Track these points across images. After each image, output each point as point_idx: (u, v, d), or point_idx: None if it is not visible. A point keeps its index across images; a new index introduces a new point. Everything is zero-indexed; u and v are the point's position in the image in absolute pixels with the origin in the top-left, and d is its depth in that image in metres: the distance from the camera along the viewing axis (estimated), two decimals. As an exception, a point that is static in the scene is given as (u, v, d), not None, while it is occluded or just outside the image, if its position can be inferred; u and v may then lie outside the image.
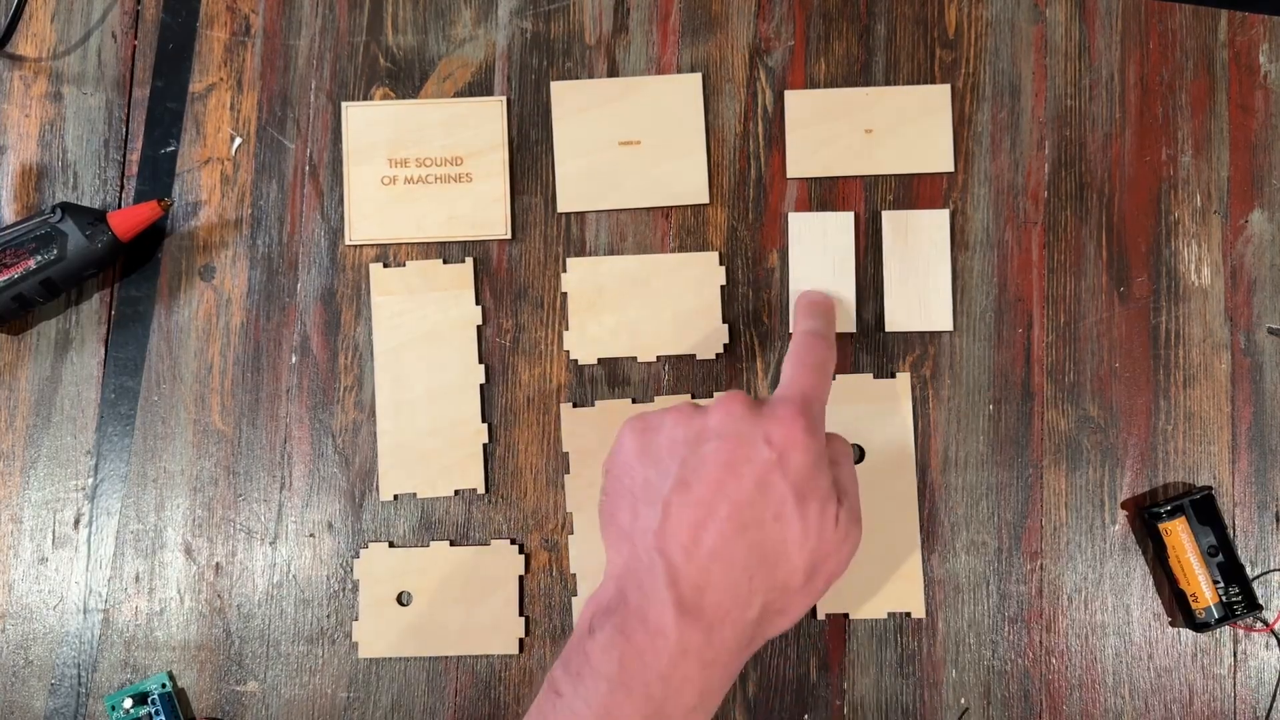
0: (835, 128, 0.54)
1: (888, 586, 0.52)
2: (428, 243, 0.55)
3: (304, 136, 0.56)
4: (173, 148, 0.56)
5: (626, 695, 0.39)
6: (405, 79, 0.56)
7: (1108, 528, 0.53)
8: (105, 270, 0.55)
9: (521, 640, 0.53)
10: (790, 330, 0.53)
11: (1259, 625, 0.51)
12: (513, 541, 0.53)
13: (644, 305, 0.54)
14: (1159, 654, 0.52)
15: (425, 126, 0.55)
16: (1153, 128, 0.55)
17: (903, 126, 0.54)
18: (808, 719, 0.52)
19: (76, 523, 0.54)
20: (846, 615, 0.52)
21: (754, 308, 0.54)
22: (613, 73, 0.55)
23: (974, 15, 0.55)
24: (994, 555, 0.53)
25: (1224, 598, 0.49)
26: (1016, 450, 0.53)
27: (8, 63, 0.57)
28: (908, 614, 0.52)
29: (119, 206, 0.56)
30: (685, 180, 0.54)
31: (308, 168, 0.56)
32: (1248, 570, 0.51)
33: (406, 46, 0.56)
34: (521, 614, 0.53)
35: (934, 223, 0.54)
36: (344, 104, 0.55)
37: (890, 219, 0.54)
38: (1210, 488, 0.50)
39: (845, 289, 0.53)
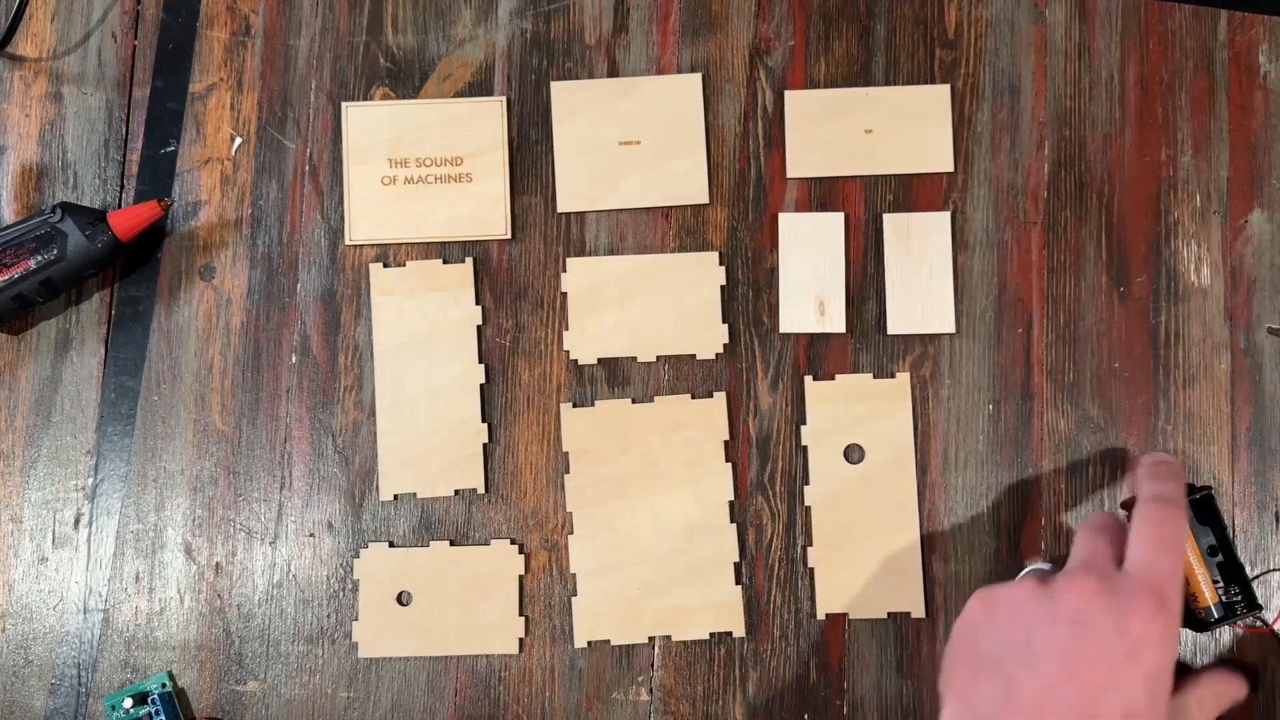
0: (835, 128, 0.55)
1: (888, 586, 0.52)
2: (428, 243, 0.55)
3: (304, 136, 0.56)
4: (173, 148, 0.56)
5: None
6: (405, 79, 0.56)
7: (1107, 528, 0.53)
8: (105, 270, 0.55)
9: (521, 640, 0.53)
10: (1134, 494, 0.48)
11: (1259, 625, 0.51)
12: (513, 541, 0.53)
13: (644, 305, 0.54)
14: (1159, 654, 0.52)
15: (425, 126, 0.55)
16: (1152, 128, 0.55)
17: (903, 126, 0.54)
18: (807, 719, 0.52)
19: (76, 522, 0.54)
20: (846, 615, 0.52)
21: (754, 308, 0.54)
22: (613, 73, 0.55)
23: (974, 15, 0.55)
24: (994, 555, 0.53)
25: (1223, 597, 0.49)
26: (1016, 450, 0.53)
27: (8, 63, 0.57)
28: (908, 614, 0.52)
29: (119, 206, 0.56)
30: (685, 180, 0.54)
31: (308, 168, 0.56)
32: (1247, 570, 0.51)
33: (406, 46, 0.56)
34: (521, 614, 0.53)
35: (935, 225, 0.54)
36: (344, 104, 0.55)
37: (891, 221, 0.54)
38: (1210, 487, 0.50)
39: (835, 290, 0.53)
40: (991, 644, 0.41)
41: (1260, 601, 0.50)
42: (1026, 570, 0.48)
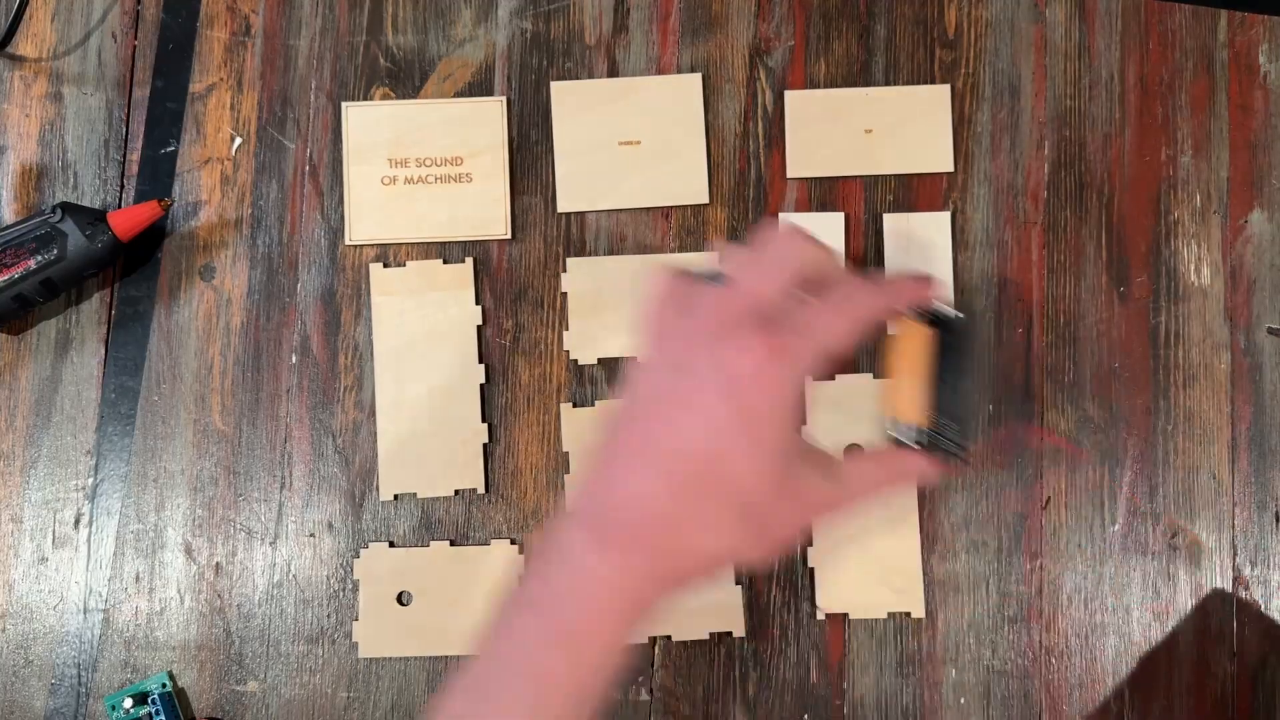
0: (835, 128, 0.55)
1: (888, 587, 0.52)
2: (428, 243, 0.55)
3: (304, 136, 0.56)
4: (173, 148, 0.56)
5: (525, 615, 0.38)
6: (405, 79, 0.56)
7: (1107, 528, 0.53)
8: (105, 270, 0.55)
9: (521, 640, 0.53)
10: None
11: (955, 457, 0.42)
12: (513, 541, 0.53)
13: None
14: (1159, 654, 0.52)
15: (425, 126, 0.55)
16: (1152, 128, 0.55)
17: (903, 127, 0.54)
18: (807, 719, 0.52)
19: (77, 522, 0.54)
20: (846, 615, 0.52)
21: (974, 408, 0.54)
22: (613, 73, 0.55)
23: (974, 15, 0.55)
24: (994, 555, 0.53)
25: (930, 426, 0.41)
26: (1017, 450, 0.53)
27: (8, 63, 0.57)
28: (908, 614, 0.52)
29: (119, 206, 0.56)
30: (685, 180, 0.54)
31: (308, 168, 0.56)
32: (973, 413, 0.47)
33: (406, 46, 0.56)
34: (521, 614, 0.53)
35: (935, 225, 0.54)
36: (344, 104, 0.55)
37: (891, 221, 0.54)
38: (966, 318, 0.42)
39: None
40: (621, 403, 0.39)
41: (966, 445, 0.42)
42: (702, 273, 0.41)
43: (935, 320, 0.42)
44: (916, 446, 0.41)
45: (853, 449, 0.53)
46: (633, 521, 0.37)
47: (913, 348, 0.42)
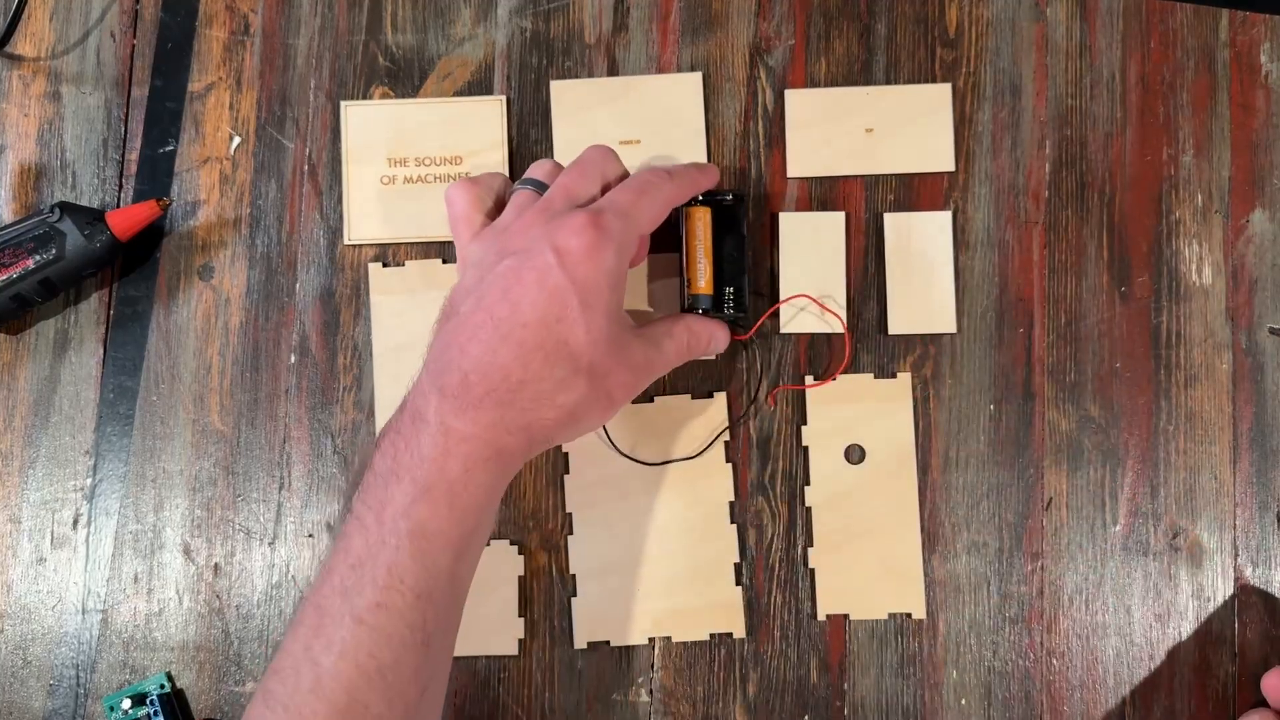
0: (836, 127, 0.54)
1: (888, 587, 0.52)
2: (427, 242, 0.55)
3: (303, 136, 0.56)
4: (171, 147, 0.56)
5: (396, 482, 0.41)
6: (404, 78, 0.56)
7: (1109, 528, 0.52)
8: (104, 270, 0.55)
9: (521, 641, 0.53)
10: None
11: (738, 329, 0.52)
12: (512, 542, 0.53)
13: (646, 306, 0.54)
14: (1160, 655, 0.52)
15: (425, 126, 0.55)
16: (1154, 127, 0.54)
17: (903, 126, 0.54)
18: (807, 719, 0.52)
19: (75, 523, 0.54)
20: (847, 616, 0.52)
21: (753, 288, 0.54)
22: (613, 72, 0.55)
23: (975, 14, 0.55)
24: (995, 556, 0.52)
25: (718, 293, 0.50)
26: (1017, 450, 0.53)
27: (7, 62, 0.56)
28: (908, 614, 0.52)
29: (118, 206, 0.55)
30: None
31: (307, 167, 0.55)
32: (747, 284, 0.51)
33: (406, 45, 0.56)
34: (521, 614, 0.53)
35: (936, 225, 0.54)
36: (343, 103, 0.55)
37: (892, 221, 0.54)
38: (741, 193, 0.51)
39: (836, 289, 0.53)
40: (456, 292, 0.45)
41: (747, 306, 0.51)
42: (517, 186, 0.49)
43: (713, 203, 0.50)
44: (702, 312, 0.50)
45: (851, 449, 0.53)
46: (485, 384, 0.42)
47: (698, 229, 0.50)
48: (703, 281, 0.50)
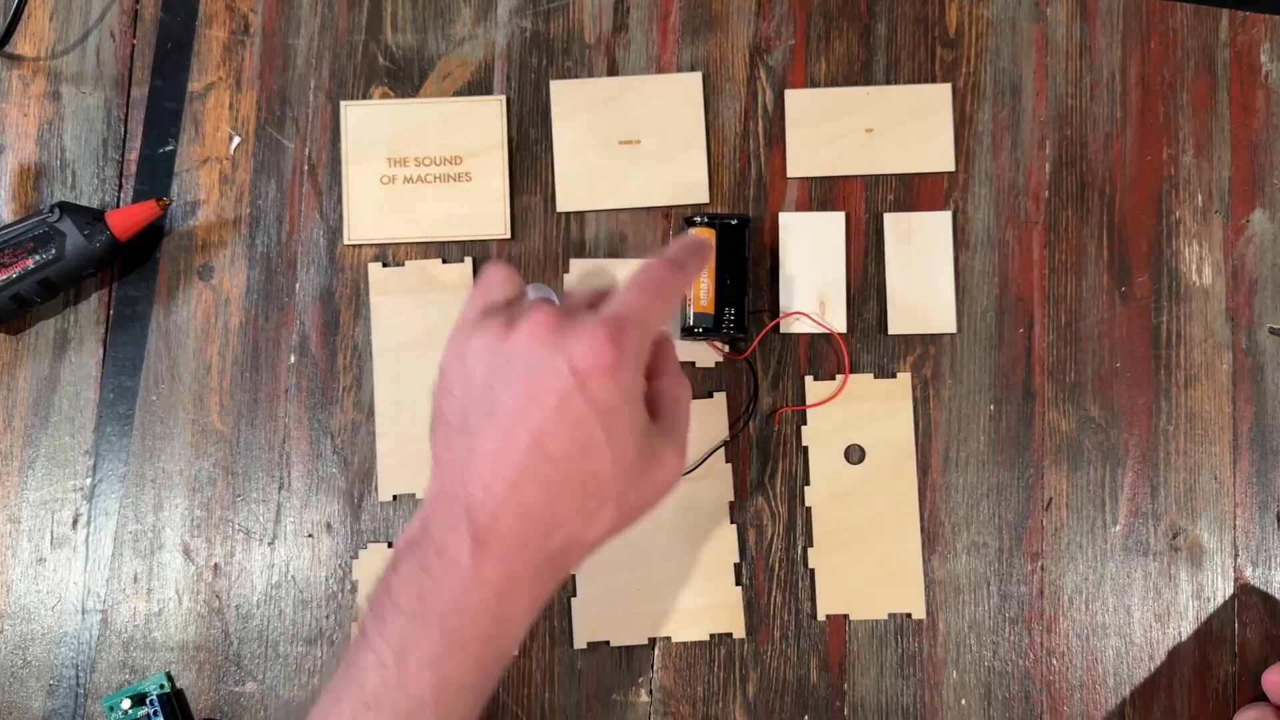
0: (836, 127, 0.54)
1: (888, 587, 0.52)
2: (427, 242, 0.55)
3: (303, 136, 0.55)
4: (171, 147, 0.56)
5: (423, 627, 0.39)
6: (404, 78, 0.56)
7: (1109, 528, 0.52)
8: (104, 270, 0.55)
9: (521, 641, 0.52)
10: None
11: (732, 350, 0.53)
12: (512, 542, 0.53)
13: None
14: (1160, 655, 0.52)
15: (424, 126, 0.55)
16: (1154, 127, 0.54)
17: (903, 126, 0.54)
18: (807, 719, 0.52)
19: (75, 523, 0.54)
20: (847, 616, 0.52)
21: (752, 307, 0.54)
22: (612, 72, 0.55)
23: (975, 14, 0.55)
24: (995, 556, 0.52)
25: (718, 313, 0.51)
26: (1017, 450, 0.53)
27: (6, 62, 0.56)
28: (908, 615, 0.52)
29: (117, 206, 0.55)
30: (685, 180, 0.54)
31: (306, 167, 0.55)
32: (747, 306, 0.52)
33: (406, 45, 0.56)
34: (521, 615, 0.53)
35: (936, 225, 0.54)
36: (343, 103, 0.55)
37: (892, 221, 0.54)
38: (747, 218, 0.52)
39: (836, 289, 0.53)
40: (462, 399, 0.41)
41: (747, 327, 0.52)
42: (529, 289, 0.47)
43: (719, 225, 0.52)
44: (701, 331, 0.52)
45: (851, 449, 0.53)
46: (513, 526, 0.39)
47: None
48: (705, 300, 0.51)
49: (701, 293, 0.52)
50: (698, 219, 0.53)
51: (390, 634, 0.39)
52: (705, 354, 0.54)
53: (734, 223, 0.52)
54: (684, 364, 0.54)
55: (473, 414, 0.40)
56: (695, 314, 0.52)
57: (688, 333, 0.52)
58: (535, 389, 0.39)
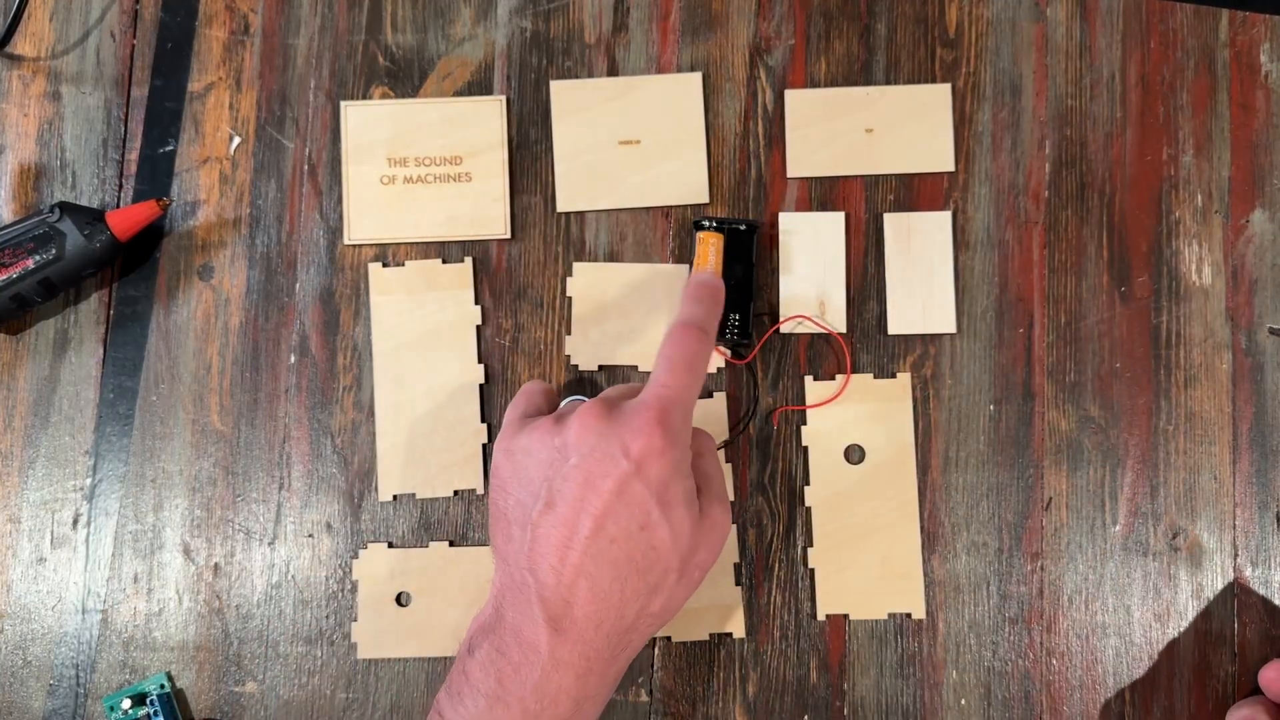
0: (836, 127, 0.54)
1: (888, 587, 0.52)
2: (427, 242, 0.55)
3: (303, 136, 0.55)
4: (171, 147, 0.56)
5: (504, 710, 0.41)
6: (404, 78, 0.56)
7: (1109, 528, 0.52)
8: (104, 270, 0.55)
9: (521, 641, 0.52)
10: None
11: (735, 355, 0.53)
12: (512, 542, 0.53)
13: (649, 314, 0.54)
14: (1160, 655, 0.52)
15: (424, 126, 0.55)
16: (1154, 127, 0.54)
17: (903, 126, 0.54)
18: (807, 719, 0.52)
19: (75, 523, 0.54)
20: (847, 616, 0.52)
21: (755, 311, 0.54)
22: (612, 72, 0.55)
23: (975, 14, 0.55)
24: (994, 556, 0.52)
25: (724, 318, 0.50)
26: (1017, 450, 0.53)
27: (6, 62, 0.56)
28: (908, 615, 0.52)
29: (117, 206, 0.55)
30: (685, 180, 0.54)
31: (306, 167, 0.55)
32: (752, 311, 0.52)
33: (406, 45, 0.56)
34: (521, 614, 0.53)
35: (936, 225, 0.54)
36: (343, 103, 0.55)
37: (892, 221, 0.54)
38: (756, 223, 0.52)
39: (836, 289, 0.53)
40: (518, 494, 0.43)
41: (752, 334, 0.52)
42: (565, 401, 0.49)
43: (726, 230, 0.52)
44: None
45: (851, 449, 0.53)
46: (585, 610, 0.41)
47: (709, 253, 0.51)
48: None
49: None
50: (706, 223, 0.52)
51: (470, 715, 0.41)
52: (705, 354, 0.54)
53: (742, 228, 0.52)
54: (684, 364, 0.54)
55: (532, 507, 0.42)
56: None
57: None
58: (592, 476, 0.41)
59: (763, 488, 0.53)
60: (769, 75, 0.55)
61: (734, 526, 0.53)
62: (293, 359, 0.54)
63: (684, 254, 0.54)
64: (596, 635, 0.41)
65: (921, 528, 0.52)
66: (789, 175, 0.54)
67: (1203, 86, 0.55)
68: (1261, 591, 0.52)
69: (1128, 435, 0.53)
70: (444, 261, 0.54)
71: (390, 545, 0.53)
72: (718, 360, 0.53)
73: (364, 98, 0.55)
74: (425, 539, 0.53)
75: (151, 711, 0.52)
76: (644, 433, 0.41)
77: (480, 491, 0.53)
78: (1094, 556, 0.52)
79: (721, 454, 0.53)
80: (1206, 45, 0.55)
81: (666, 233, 0.54)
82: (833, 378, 0.53)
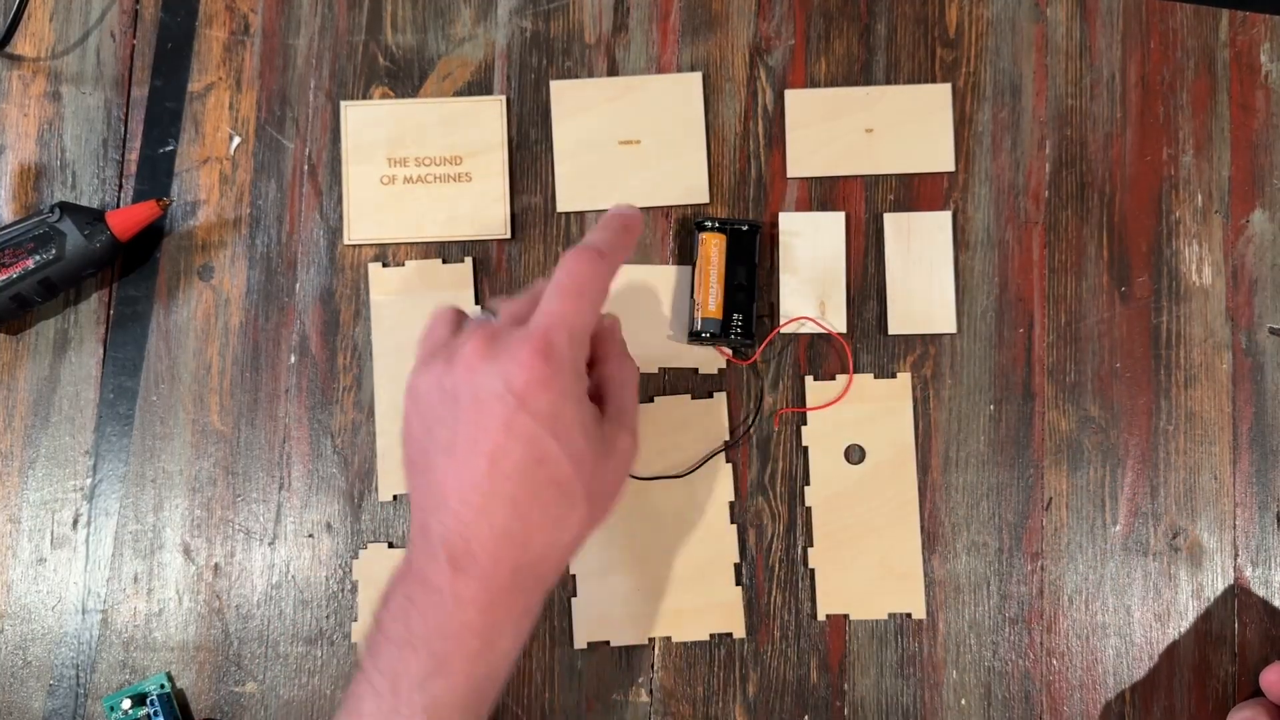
0: (836, 127, 0.54)
1: (888, 587, 0.52)
2: (427, 242, 0.55)
3: (303, 136, 0.55)
4: (171, 147, 0.56)
5: (413, 653, 0.40)
6: (404, 78, 0.56)
7: (1109, 528, 0.52)
8: (104, 270, 0.55)
9: (521, 641, 0.52)
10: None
11: (737, 355, 0.53)
12: (512, 542, 0.53)
13: (649, 314, 0.54)
14: (1160, 655, 0.52)
15: (424, 126, 0.55)
16: (1154, 127, 0.54)
17: (903, 126, 0.54)
18: (807, 719, 0.52)
19: (75, 523, 0.54)
20: (847, 616, 0.52)
21: (755, 311, 0.54)
22: (612, 72, 0.55)
23: (975, 14, 0.55)
24: (995, 556, 0.52)
25: (726, 318, 0.51)
26: (1017, 450, 0.53)
27: (7, 62, 0.56)
28: (908, 615, 0.52)
29: (117, 206, 0.55)
30: (685, 180, 0.54)
31: (306, 167, 0.55)
32: (755, 312, 0.52)
33: (406, 45, 0.56)
34: (521, 615, 0.53)
35: (936, 225, 0.54)
36: (343, 103, 0.55)
37: (892, 221, 0.54)
38: (758, 224, 0.52)
39: (836, 289, 0.53)
40: (421, 439, 0.43)
41: (754, 335, 0.52)
42: (470, 321, 0.45)
43: (730, 231, 0.51)
44: (708, 336, 0.51)
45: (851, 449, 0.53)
46: (486, 545, 0.40)
47: (711, 254, 0.51)
48: (712, 305, 0.51)
49: (710, 298, 0.51)
50: (709, 224, 0.52)
51: (383, 664, 0.41)
52: (707, 358, 0.53)
53: (745, 229, 0.52)
54: (687, 370, 0.54)
55: (432, 452, 0.42)
56: (703, 320, 0.51)
57: (694, 338, 0.52)
58: (480, 416, 0.40)
59: (763, 488, 0.53)
60: (769, 75, 0.55)
61: (734, 526, 0.53)
62: (293, 359, 0.54)
63: (684, 254, 0.54)
64: (499, 570, 0.41)
65: (921, 528, 0.52)
66: (789, 175, 0.54)
67: (1203, 86, 0.55)
68: (1261, 592, 0.52)
69: (1128, 435, 0.53)
70: (444, 261, 0.54)
71: (390, 545, 0.53)
72: (718, 360, 0.53)
73: (364, 98, 0.55)
74: (425, 539, 0.53)
75: (151, 711, 0.52)
76: (526, 365, 0.40)
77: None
78: (1094, 556, 0.52)
79: (721, 453, 0.53)
80: (1206, 45, 0.55)
81: (666, 233, 0.54)
82: (833, 378, 0.53)
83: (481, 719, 0.42)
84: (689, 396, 0.53)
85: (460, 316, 0.45)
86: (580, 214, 0.55)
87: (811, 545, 0.52)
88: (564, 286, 0.42)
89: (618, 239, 0.45)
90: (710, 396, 0.53)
